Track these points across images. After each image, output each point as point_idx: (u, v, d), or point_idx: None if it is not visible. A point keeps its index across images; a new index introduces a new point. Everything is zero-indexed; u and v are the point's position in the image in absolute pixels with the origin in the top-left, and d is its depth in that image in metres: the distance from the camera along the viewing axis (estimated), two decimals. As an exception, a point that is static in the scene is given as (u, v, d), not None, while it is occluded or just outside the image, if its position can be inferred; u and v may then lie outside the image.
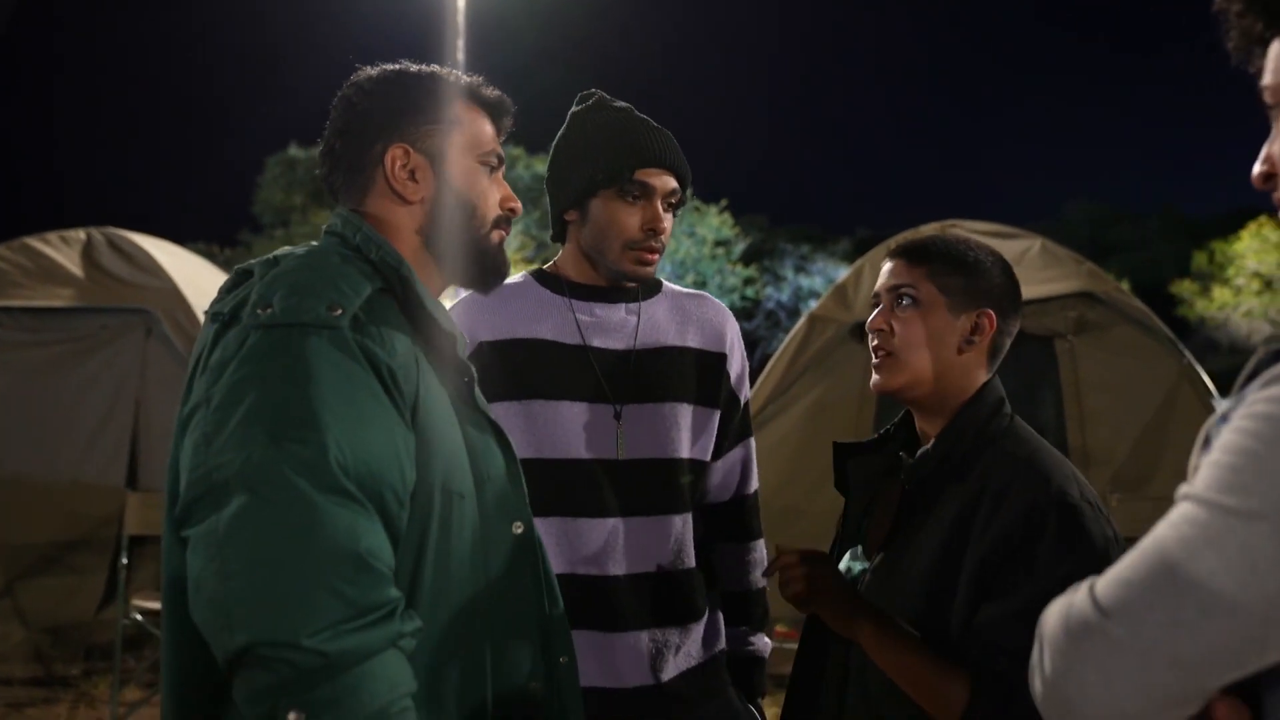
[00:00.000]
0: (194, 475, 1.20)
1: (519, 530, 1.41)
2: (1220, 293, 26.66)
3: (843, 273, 5.73)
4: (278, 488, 1.15)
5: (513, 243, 23.72)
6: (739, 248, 27.41)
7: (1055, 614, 0.91)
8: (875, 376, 1.64)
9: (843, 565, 1.71)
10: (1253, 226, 26.23)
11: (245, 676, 1.13)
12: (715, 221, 26.63)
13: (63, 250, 5.61)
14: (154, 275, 5.53)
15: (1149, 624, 0.82)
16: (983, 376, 1.63)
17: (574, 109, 1.99)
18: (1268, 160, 0.96)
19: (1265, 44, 0.94)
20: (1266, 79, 0.94)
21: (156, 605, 4.68)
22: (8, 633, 5.05)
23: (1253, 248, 26.20)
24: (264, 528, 1.14)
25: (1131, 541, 0.92)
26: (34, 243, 5.62)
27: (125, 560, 4.70)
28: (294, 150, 27.12)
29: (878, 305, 1.66)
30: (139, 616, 4.58)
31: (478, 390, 1.43)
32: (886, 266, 1.66)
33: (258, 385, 1.20)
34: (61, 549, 5.15)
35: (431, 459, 1.29)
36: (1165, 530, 0.85)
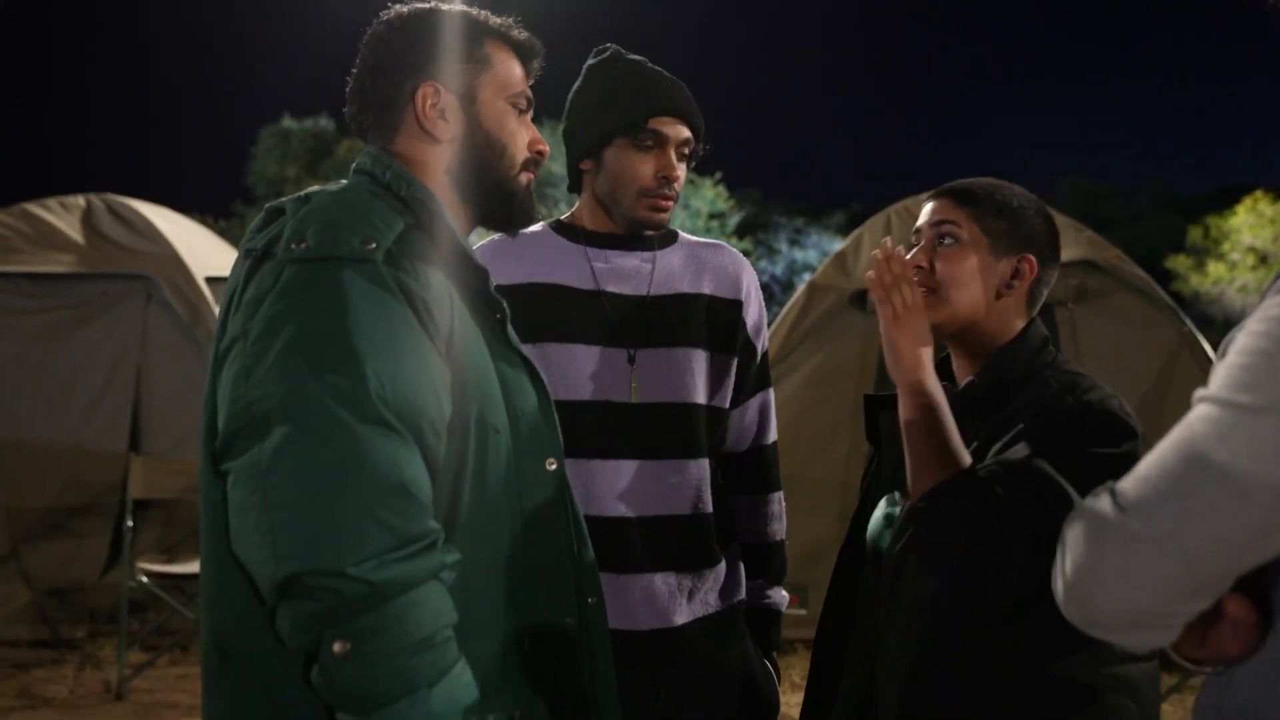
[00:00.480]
0: (234, 408, 1.20)
1: (552, 467, 1.42)
2: (1215, 268, 26.68)
3: (837, 246, 5.73)
4: (320, 418, 1.15)
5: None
6: (733, 221, 27.36)
7: (1076, 516, 0.95)
8: None
9: (880, 512, 1.72)
10: (1248, 201, 26.24)
11: (290, 606, 1.14)
12: (710, 194, 26.56)
13: (62, 216, 5.59)
14: (154, 241, 5.51)
15: (1163, 516, 0.86)
16: (1021, 323, 1.64)
17: (589, 62, 2.01)
18: None
19: None
20: None
21: (161, 568, 4.71)
22: (12, 595, 5.07)
23: (1248, 223, 26.20)
24: (308, 458, 1.15)
25: None
26: (33, 208, 5.60)
27: (130, 523, 4.72)
28: (288, 122, 26.93)
29: (917, 243, 1.66)
30: (144, 579, 4.60)
31: (510, 327, 1.44)
32: (929, 206, 1.66)
33: (295, 318, 1.20)
34: (65, 513, 5.17)
35: (466, 392, 1.30)
36: (1181, 430, 0.89)
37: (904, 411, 1.52)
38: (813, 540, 4.82)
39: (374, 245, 1.26)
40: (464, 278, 1.38)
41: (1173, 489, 0.86)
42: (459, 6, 1.50)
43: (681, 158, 1.94)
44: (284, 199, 1.36)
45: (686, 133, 1.93)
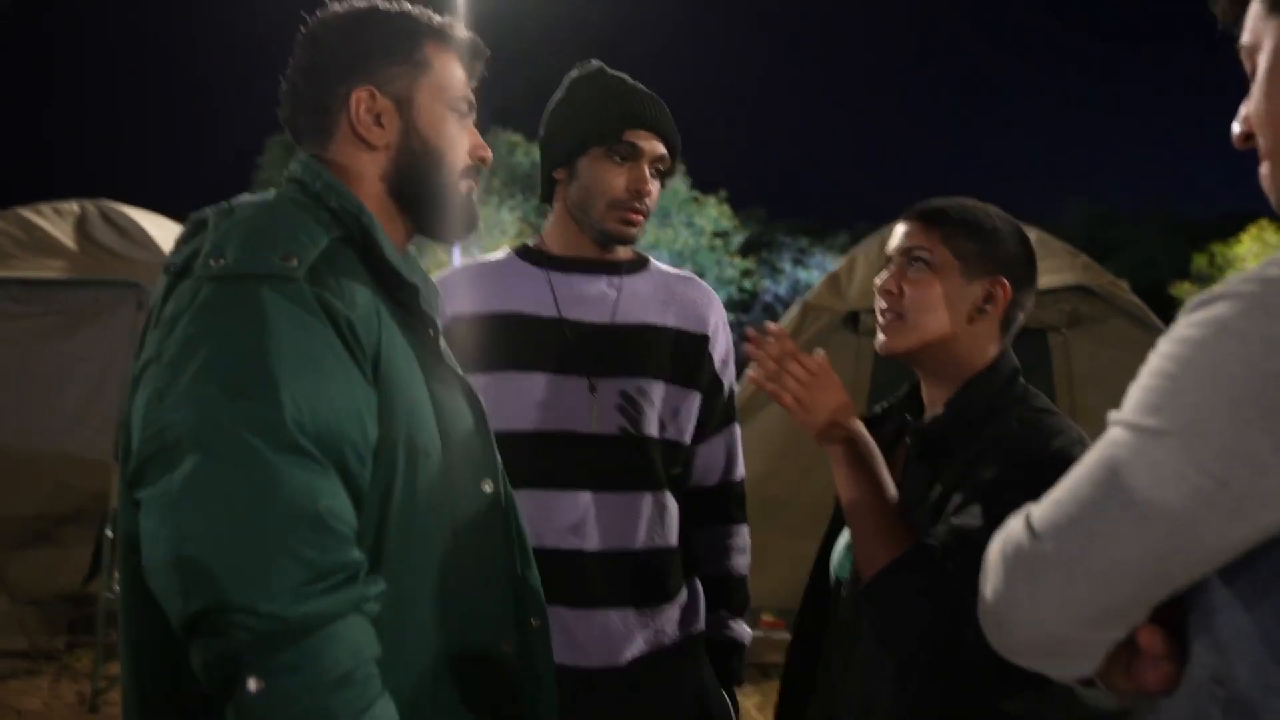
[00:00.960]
0: (146, 434, 1.15)
1: (488, 489, 1.37)
2: (1219, 295, 26.60)
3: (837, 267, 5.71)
4: (232, 446, 1.10)
5: (510, 229, 23.69)
6: (737, 240, 27.40)
7: (995, 543, 0.94)
8: (881, 337, 1.60)
9: (843, 540, 1.68)
10: (1253, 230, 26.25)
11: (202, 643, 1.09)
12: (714, 213, 26.60)
13: (55, 222, 5.58)
14: (146, 248, 5.50)
15: (1070, 538, 0.85)
16: (994, 349, 1.59)
17: (571, 74, 1.99)
18: (1246, 120, 0.96)
19: (1244, 4, 0.95)
20: (1244, 38, 0.95)
21: (141, 579, 4.65)
22: (-7, 604, 5.03)
23: (1253, 251, 26.20)
24: (218, 488, 1.09)
25: None
26: (27, 213, 5.59)
27: (110, 533, 4.68)
28: (294, 132, 26.99)
29: (889, 268, 1.62)
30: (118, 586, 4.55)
31: (444, 344, 1.39)
32: (900, 229, 1.62)
33: (210, 340, 1.15)
34: (48, 522, 5.13)
35: (394, 415, 1.25)
36: (1093, 452, 0.88)
37: (838, 478, 1.48)
38: (801, 563, 4.76)
39: (296, 262, 1.20)
40: (394, 294, 1.33)
41: (1081, 512, 0.85)
42: (397, 5, 1.43)
43: (655, 174, 1.92)
44: (208, 209, 1.30)
45: (662, 149, 1.91)
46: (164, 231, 5.80)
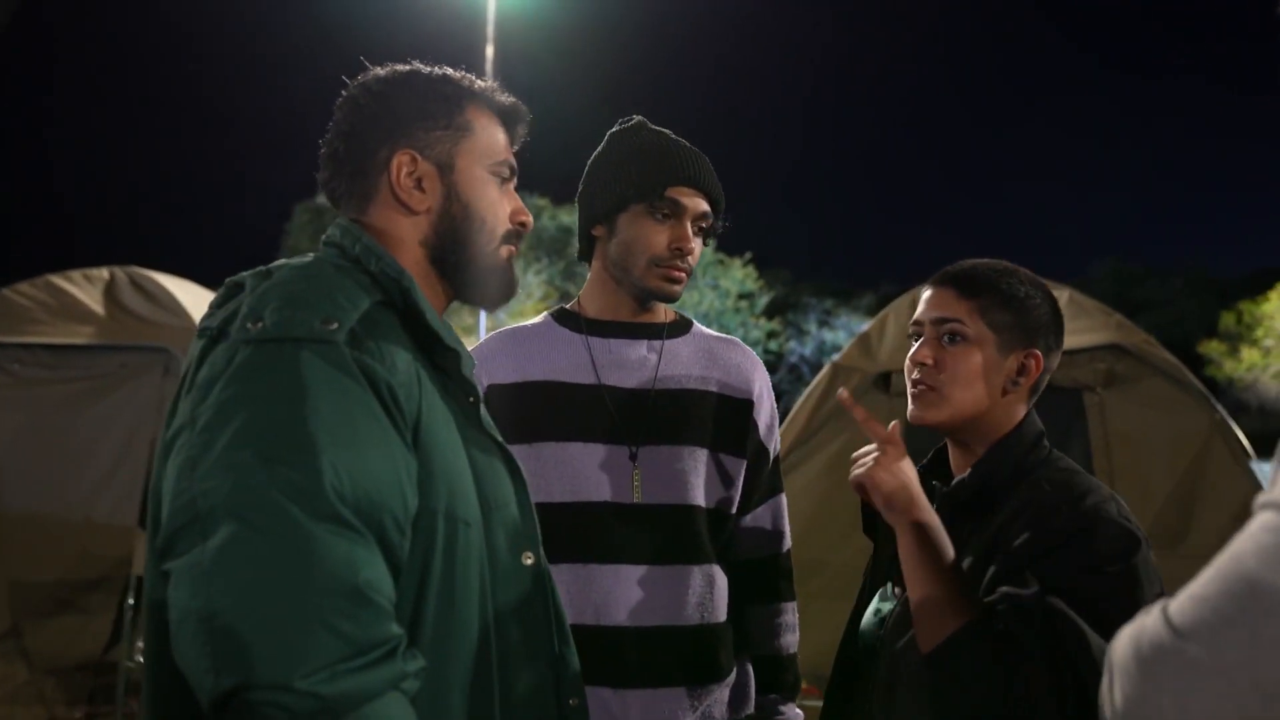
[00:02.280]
0: (178, 502, 1.10)
1: (529, 561, 1.32)
2: (1249, 354, 26.41)
3: (865, 327, 5.66)
4: (268, 515, 1.06)
5: (535, 292, 23.84)
6: (763, 301, 27.41)
7: (1125, 639, 0.83)
8: (912, 408, 1.57)
9: (871, 607, 1.63)
10: (1281, 287, 26.02)
11: None
12: (739, 274, 26.66)
13: (85, 288, 5.62)
14: (174, 314, 5.52)
15: (1229, 643, 0.74)
16: (1022, 412, 1.57)
17: (613, 130, 1.96)
18: None
19: None
20: None
21: (164, 648, 4.59)
22: (12, 674, 4.97)
23: (1281, 308, 25.97)
24: (253, 559, 1.04)
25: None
26: (57, 280, 5.63)
27: (132, 601, 4.63)
28: (322, 199, 27.44)
29: (918, 335, 1.59)
30: (142, 659, 4.49)
31: (484, 411, 1.35)
32: (928, 294, 1.59)
33: (247, 404, 1.11)
34: (71, 589, 5.09)
35: (434, 484, 1.21)
36: (1243, 542, 0.77)
37: (904, 545, 1.43)
38: (835, 628, 4.64)
39: (336, 325, 1.17)
40: (435, 359, 1.29)
41: (1239, 612, 0.74)
42: (438, 70, 1.42)
43: (698, 231, 1.87)
44: (245, 273, 1.28)
45: (705, 206, 1.86)
46: (192, 297, 5.83)
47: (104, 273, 5.72)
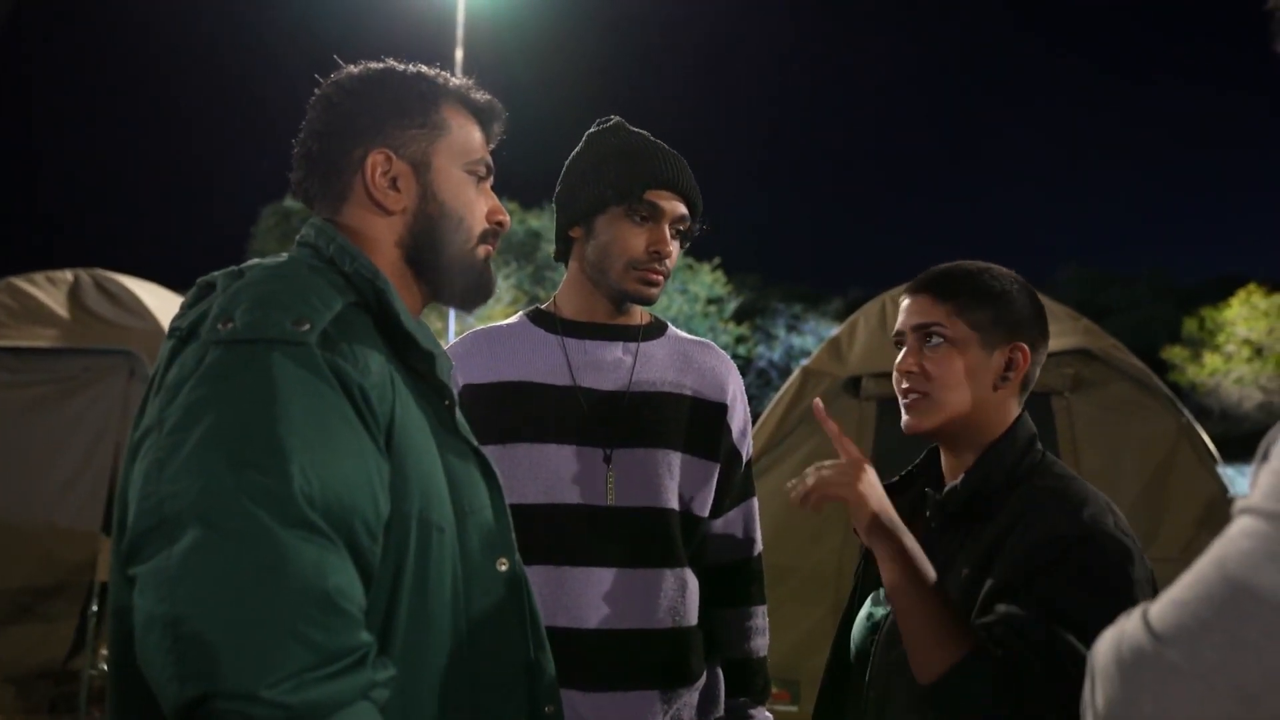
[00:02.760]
0: (144, 506, 1.08)
1: (503, 567, 1.30)
2: (1211, 359, 26.78)
3: (834, 332, 5.68)
4: (237, 520, 1.03)
5: (504, 296, 23.75)
6: (731, 306, 27.48)
7: (1106, 644, 0.83)
8: (907, 418, 1.57)
9: (864, 611, 1.62)
10: (1242, 294, 26.47)
11: None
12: (708, 279, 26.71)
13: (49, 291, 5.54)
14: (139, 316, 5.45)
15: (1208, 647, 0.74)
16: (1015, 410, 1.57)
17: (591, 130, 1.95)
18: None
19: None
20: None
21: (128, 655, 4.53)
22: (-28, 682, 4.89)
23: (1242, 315, 26.39)
24: (220, 564, 1.02)
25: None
26: (20, 283, 5.55)
27: (95, 608, 4.57)
28: (289, 201, 27.24)
29: (901, 344, 1.58)
30: (105, 667, 4.43)
31: (459, 414, 1.33)
32: (907, 303, 1.58)
33: (215, 406, 1.09)
34: (32, 595, 5.01)
35: (408, 488, 1.19)
36: (1223, 546, 0.77)
37: (888, 574, 1.40)
38: (805, 632, 4.68)
39: (308, 326, 1.14)
40: (408, 361, 1.27)
41: (1217, 616, 0.74)
42: (413, 68, 1.40)
43: (676, 234, 1.86)
44: (217, 273, 1.25)
45: (683, 209, 1.85)
46: (158, 300, 5.76)
47: (67, 275, 5.65)
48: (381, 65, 1.39)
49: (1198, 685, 0.74)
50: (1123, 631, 0.82)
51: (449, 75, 1.41)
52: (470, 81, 1.42)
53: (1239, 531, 0.77)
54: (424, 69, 1.40)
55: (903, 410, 1.58)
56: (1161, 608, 0.79)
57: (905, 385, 1.56)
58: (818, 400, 1.54)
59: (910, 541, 1.41)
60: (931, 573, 1.40)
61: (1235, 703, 0.73)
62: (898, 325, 1.60)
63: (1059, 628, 1.30)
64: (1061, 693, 1.25)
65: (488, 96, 1.43)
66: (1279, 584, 0.72)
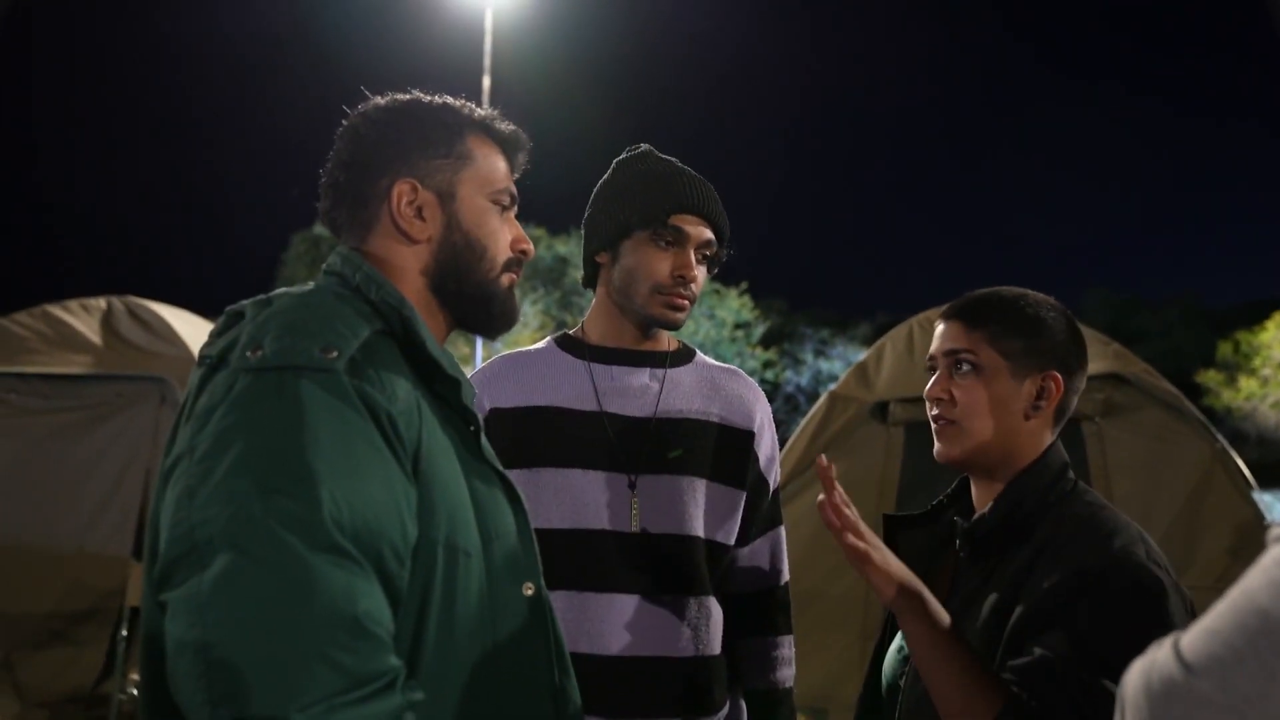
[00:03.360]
0: (175, 532, 1.10)
1: (529, 592, 1.30)
2: (1247, 383, 26.45)
3: (862, 357, 5.65)
4: (266, 546, 1.05)
5: (532, 322, 23.86)
6: (758, 331, 27.44)
7: (1136, 674, 0.81)
8: (937, 445, 1.55)
9: (895, 644, 1.60)
10: (1277, 316, 26.13)
11: None
12: (735, 304, 26.71)
13: (82, 318, 5.62)
14: (171, 343, 5.51)
15: (1241, 678, 0.73)
16: (1048, 439, 1.54)
17: (620, 157, 1.96)
18: None
19: None
20: None
21: (156, 680, 4.54)
22: (2, 707, 4.91)
23: (1278, 338, 26.05)
24: (251, 590, 1.03)
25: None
26: (54, 310, 5.62)
27: (125, 633, 4.59)
28: (319, 229, 27.51)
29: (933, 369, 1.57)
30: (135, 692, 4.45)
31: (485, 440, 1.34)
32: (941, 328, 1.57)
33: (245, 433, 1.10)
34: (63, 620, 5.04)
35: (434, 513, 1.20)
36: (1255, 576, 0.76)
37: (910, 634, 1.38)
38: (833, 660, 4.63)
39: (336, 353, 1.16)
40: (434, 388, 1.29)
41: (1250, 647, 0.73)
42: (439, 98, 1.42)
43: (702, 259, 1.86)
44: (245, 302, 1.28)
45: (708, 234, 1.86)
46: (190, 327, 5.82)
47: (101, 302, 5.72)
48: (408, 96, 1.41)
49: (1229, 717, 0.73)
50: (1153, 661, 0.80)
51: (474, 106, 1.43)
52: (495, 112, 1.44)
53: (1271, 561, 0.75)
54: (449, 100, 1.42)
55: (935, 437, 1.56)
56: (1193, 638, 0.78)
57: (935, 412, 1.55)
58: (822, 456, 1.50)
59: (930, 599, 1.39)
60: (947, 621, 1.37)
61: None
62: (930, 350, 1.59)
63: (1093, 670, 1.27)
64: None
65: (512, 127, 1.44)
66: None
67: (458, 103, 1.42)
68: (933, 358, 1.57)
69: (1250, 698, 0.72)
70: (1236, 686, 0.73)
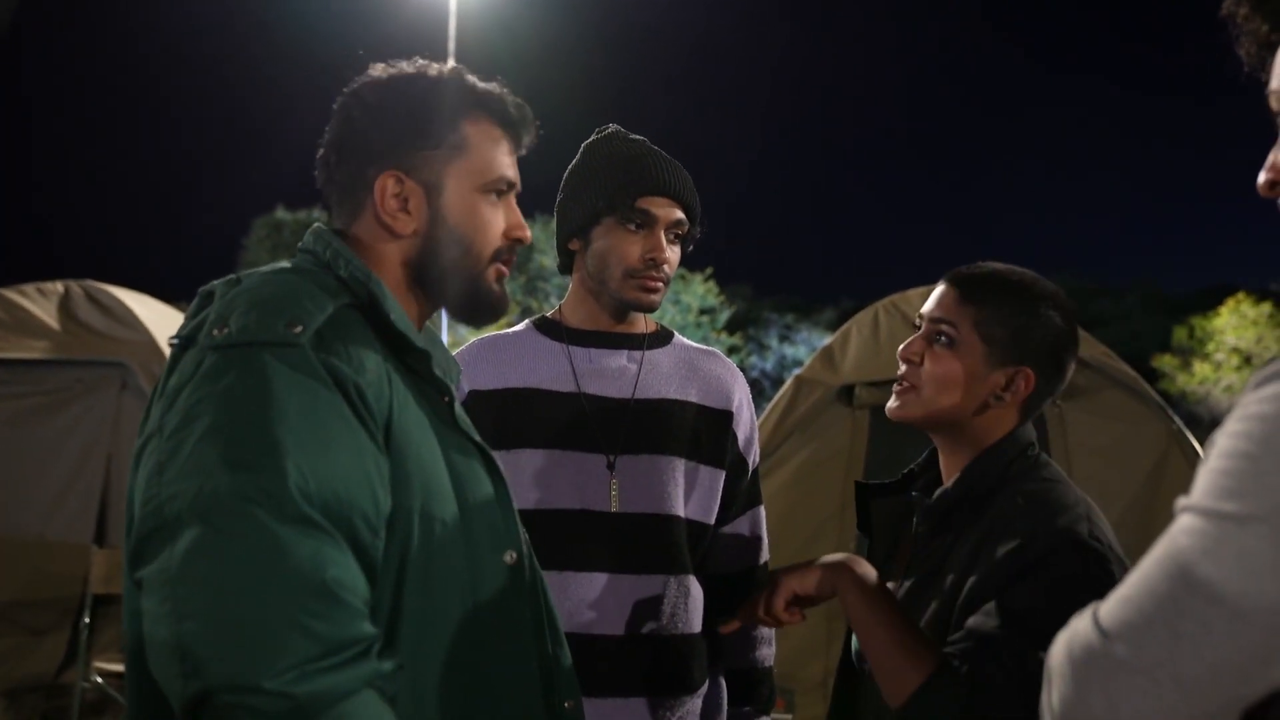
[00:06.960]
0: (146, 509, 1.11)
1: (511, 560, 1.31)
2: (1201, 368, 26.89)
3: (826, 342, 5.69)
4: (234, 518, 1.06)
5: (498, 307, 23.73)
6: (724, 316, 27.51)
7: (1059, 644, 0.85)
8: (892, 402, 1.55)
9: None
10: (1231, 303, 26.61)
11: None
12: (700, 289, 26.75)
13: (39, 302, 5.53)
14: (131, 328, 5.44)
15: (1151, 641, 0.77)
16: (1010, 424, 1.53)
17: (588, 140, 1.95)
18: (1273, 168, 0.92)
19: (1273, 49, 0.92)
20: (1272, 84, 0.92)
21: (118, 668, 4.51)
22: (-39, 696, 4.85)
23: (1231, 324, 26.53)
24: (219, 562, 1.05)
25: None
26: (10, 294, 5.53)
27: (87, 620, 4.54)
28: (281, 213, 27.22)
29: (918, 327, 1.56)
30: (99, 679, 4.41)
31: (459, 409, 1.34)
32: (939, 290, 1.55)
33: (212, 409, 1.11)
34: (23, 608, 4.97)
35: (409, 483, 1.20)
36: (1164, 545, 0.80)
37: (848, 604, 1.42)
38: (799, 639, 4.67)
39: (300, 328, 1.16)
40: (405, 360, 1.29)
41: (1159, 611, 0.77)
42: (437, 74, 1.37)
43: (674, 240, 1.86)
44: (216, 281, 1.27)
45: (678, 214, 1.84)
46: (150, 311, 5.75)
47: (58, 286, 5.63)
48: (410, 71, 1.37)
49: (1142, 680, 0.77)
50: (1074, 631, 0.84)
51: (475, 82, 1.38)
52: (502, 89, 1.39)
53: (1178, 529, 0.79)
54: (451, 76, 1.37)
55: (893, 395, 1.56)
56: (1110, 605, 0.82)
57: (902, 370, 1.54)
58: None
59: (867, 569, 1.43)
60: (889, 594, 1.41)
61: (1178, 695, 0.76)
62: (922, 309, 1.57)
63: (1027, 642, 1.29)
64: (1030, 708, 1.24)
65: (518, 102, 1.40)
66: (1215, 578, 0.74)
67: (457, 81, 1.37)
68: (921, 315, 1.56)
69: (1161, 660, 0.76)
70: (1148, 650, 0.77)
